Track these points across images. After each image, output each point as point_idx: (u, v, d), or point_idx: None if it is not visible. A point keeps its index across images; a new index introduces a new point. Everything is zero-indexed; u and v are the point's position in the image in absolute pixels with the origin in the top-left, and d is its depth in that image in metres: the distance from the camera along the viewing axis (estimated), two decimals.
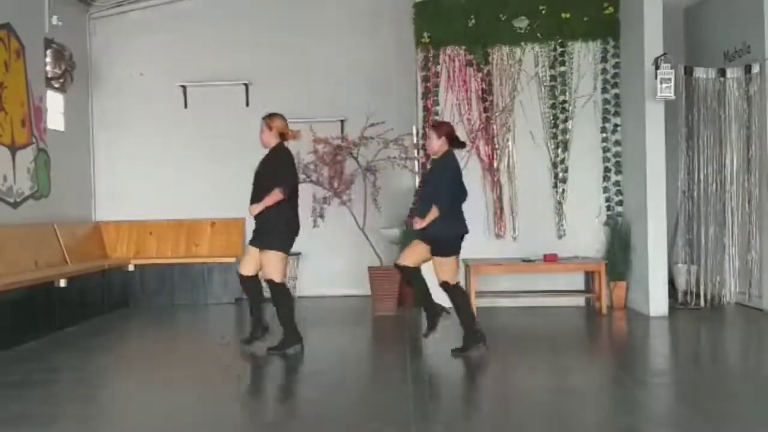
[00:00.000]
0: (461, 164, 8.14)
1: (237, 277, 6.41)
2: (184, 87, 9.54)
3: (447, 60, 8.41)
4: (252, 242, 6.18)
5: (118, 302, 8.62)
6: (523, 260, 8.07)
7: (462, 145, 6.08)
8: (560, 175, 8.33)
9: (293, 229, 6.11)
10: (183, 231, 9.48)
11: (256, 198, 6.08)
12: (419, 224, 5.75)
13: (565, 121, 8.33)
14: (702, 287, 8.04)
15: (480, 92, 8.39)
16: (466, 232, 5.90)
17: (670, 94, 7.31)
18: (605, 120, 8.32)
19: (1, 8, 7.68)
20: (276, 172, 6.04)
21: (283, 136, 6.20)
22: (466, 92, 8.40)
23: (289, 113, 9.16)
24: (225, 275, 9.07)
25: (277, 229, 6.00)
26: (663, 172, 7.56)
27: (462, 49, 8.39)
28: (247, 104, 9.53)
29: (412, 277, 5.99)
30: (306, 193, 8.46)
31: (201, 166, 9.51)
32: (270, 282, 6.01)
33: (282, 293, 6.03)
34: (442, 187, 5.74)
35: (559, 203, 8.34)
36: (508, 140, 8.38)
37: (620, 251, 8.05)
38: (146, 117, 9.56)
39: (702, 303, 7.97)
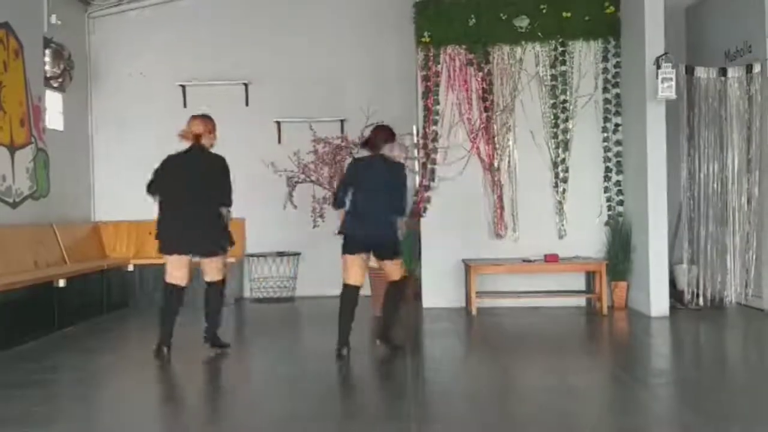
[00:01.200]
0: (462, 163, 8.31)
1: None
2: (184, 87, 9.52)
3: (447, 59, 8.40)
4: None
5: (117, 302, 8.60)
6: (524, 260, 8.06)
7: (364, 144, 6.25)
8: (560, 175, 8.32)
9: (170, 231, 6.03)
10: None
11: None
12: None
13: (566, 120, 8.32)
14: (702, 287, 8.03)
15: (480, 92, 8.38)
16: (365, 233, 5.89)
17: (671, 94, 7.29)
18: (606, 120, 8.31)
19: (0, 8, 7.66)
20: None
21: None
22: (467, 92, 8.39)
23: (289, 113, 9.33)
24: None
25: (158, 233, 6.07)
26: (664, 172, 7.55)
27: (462, 49, 8.38)
28: (247, 104, 9.52)
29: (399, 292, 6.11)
30: (306, 193, 8.50)
31: None
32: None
33: (164, 295, 6.12)
34: (338, 187, 6.14)
35: (560, 203, 8.32)
36: (508, 140, 8.37)
37: (621, 251, 8.04)
38: (146, 117, 9.53)
39: (702, 303, 7.96)
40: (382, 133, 6.04)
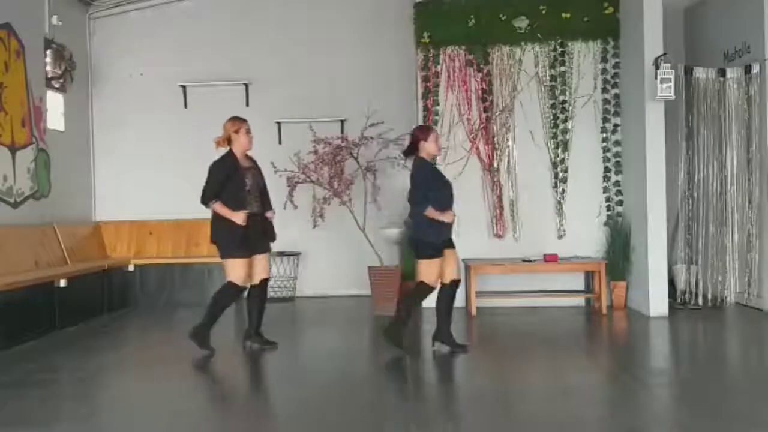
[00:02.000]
0: (461, 164, 8.33)
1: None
2: (184, 87, 9.54)
3: (447, 60, 8.41)
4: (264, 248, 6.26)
5: (118, 302, 8.61)
6: (523, 260, 8.07)
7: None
8: (560, 175, 8.33)
9: None
10: (183, 231, 9.47)
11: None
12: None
13: (565, 121, 8.34)
14: (702, 287, 8.05)
15: (480, 92, 8.39)
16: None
17: (670, 94, 7.31)
18: (605, 120, 8.33)
19: (1, 8, 7.67)
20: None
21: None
22: (466, 92, 8.41)
23: (289, 113, 9.34)
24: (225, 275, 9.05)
25: None
26: (663, 172, 7.57)
27: (462, 49, 8.40)
28: (247, 104, 9.53)
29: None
30: (306, 193, 8.52)
31: (201, 166, 9.45)
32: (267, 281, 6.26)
33: None
34: None
35: (559, 203, 8.34)
36: (508, 140, 8.38)
37: (620, 251, 8.05)
38: (146, 117, 9.56)
39: (702, 303, 7.98)
40: (413, 135, 6.07)
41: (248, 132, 6.20)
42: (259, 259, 6.19)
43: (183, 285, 9.03)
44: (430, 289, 5.87)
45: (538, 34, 8.32)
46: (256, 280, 6.22)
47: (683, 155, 8.14)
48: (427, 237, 5.78)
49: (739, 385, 5.13)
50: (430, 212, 5.71)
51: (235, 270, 6.01)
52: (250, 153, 6.34)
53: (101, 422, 4.59)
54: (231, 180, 6.02)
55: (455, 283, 5.98)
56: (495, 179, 8.35)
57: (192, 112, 9.60)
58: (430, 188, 5.80)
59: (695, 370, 5.70)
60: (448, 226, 5.82)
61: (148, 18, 9.62)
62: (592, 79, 8.34)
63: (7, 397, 4.88)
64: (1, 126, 7.63)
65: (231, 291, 6.08)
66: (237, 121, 6.20)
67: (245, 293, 6.27)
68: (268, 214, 6.25)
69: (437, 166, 8.29)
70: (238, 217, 5.94)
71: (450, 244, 5.94)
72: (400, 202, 8.94)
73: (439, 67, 8.40)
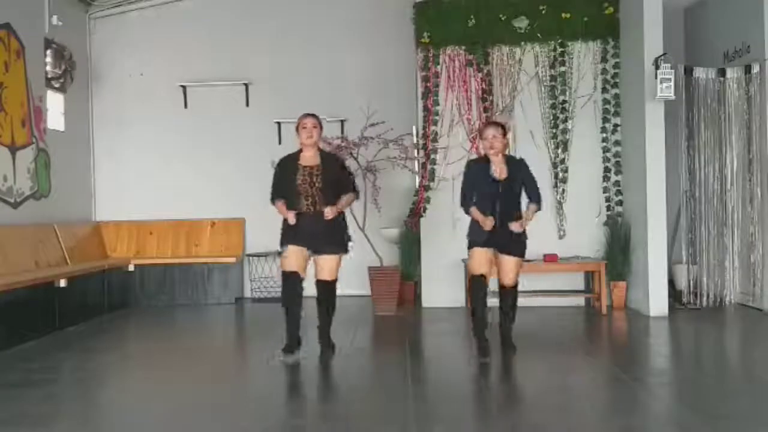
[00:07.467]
0: (461, 164, 8.29)
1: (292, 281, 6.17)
2: (184, 87, 9.54)
3: (447, 60, 8.42)
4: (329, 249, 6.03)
5: (118, 302, 8.62)
6: (524, 260, 8.05)
7: None
8: (560, 175, 8.33)
9: None
10: (183, 231, 9.49)
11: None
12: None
13: (565, 121, 8.34)
14: (702, 287, 8.05)
15: (480, 92, 8.39)
16: None
17: (670, 94, 7.31)
18: (605, 120, 8.32)
19: (1, 8, 7.68)
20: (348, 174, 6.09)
21: None
22: (466, 92, 8.41)
23: (289, 113, 9.31)
24: (225, 275, 9.07)
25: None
26: (663, 172, 7.57)
27: (462, 49, 8.40)
28: (247, 104, 9.54)
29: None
30: None
31: (201, 166, 9.53)
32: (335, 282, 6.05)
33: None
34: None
35: (559, 203, 8.34)
36: (507, 140, 8.37)
37: (620, 251, 8.05)
38: (146, 117, 9.57)
39: (702, 303, 7.98)
40: None
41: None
42: None
43: (183, 285, 9.03)
44: None
45: (538, 34, 8.32)
46: None
47: (683, 155, 8.14)
48: None
49: (739, 385, 5.13)
50: None
51: None
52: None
53: (101, 422, 4.59)
54: None
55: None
56: None
57: (192, 112, 9.60)
58: None
59: (695, 370, 5.70)
60: None
61: (148, 18, 9.63)
62: (592, 79, 8.34)
63: (7, 397, 4.88)
64: (1, 126, 7.63)
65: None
66: None
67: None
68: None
69: (437, 166, 8.40)
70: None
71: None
72: (400, 202, 8.96)
73: (439, 67, 8.40)
